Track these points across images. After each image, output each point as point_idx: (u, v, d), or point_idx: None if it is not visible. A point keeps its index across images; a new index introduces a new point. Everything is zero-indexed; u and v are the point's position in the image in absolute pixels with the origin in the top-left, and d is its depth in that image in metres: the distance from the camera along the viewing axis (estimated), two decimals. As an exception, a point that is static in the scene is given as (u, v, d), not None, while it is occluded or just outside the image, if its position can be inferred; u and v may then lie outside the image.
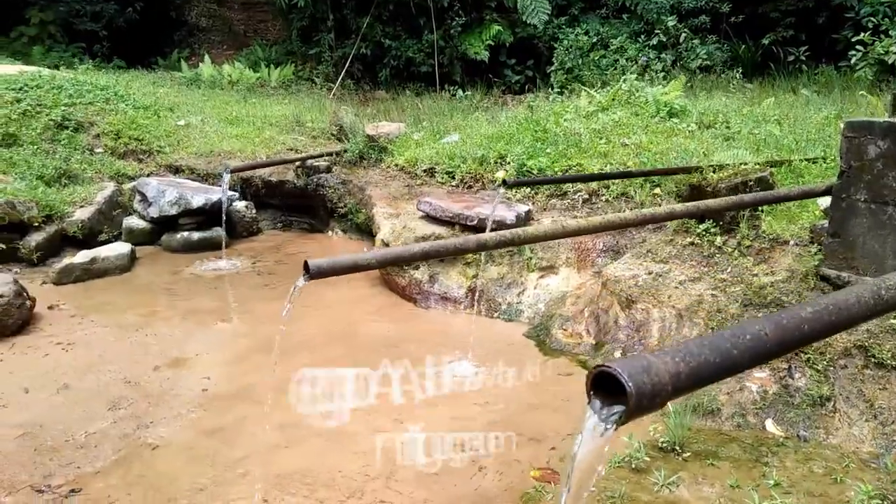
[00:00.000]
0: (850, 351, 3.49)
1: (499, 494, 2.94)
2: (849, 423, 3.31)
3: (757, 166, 4.89)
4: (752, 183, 4.62)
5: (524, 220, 5.44)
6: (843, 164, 3.73)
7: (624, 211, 5.71)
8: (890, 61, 10.18)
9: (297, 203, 7.67)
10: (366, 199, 6.80)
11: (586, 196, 6.14)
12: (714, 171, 4.81)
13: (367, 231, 6.91)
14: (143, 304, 5.35)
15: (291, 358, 4.31)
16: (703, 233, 4.74)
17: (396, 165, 7.51)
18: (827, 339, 3.50)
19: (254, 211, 7.42)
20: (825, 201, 4.37)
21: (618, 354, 4.18)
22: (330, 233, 7.50)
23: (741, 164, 5.01)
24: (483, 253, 5.22)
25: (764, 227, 4.55)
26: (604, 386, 1.08)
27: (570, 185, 6.29)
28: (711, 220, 4.74)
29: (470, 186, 6.83)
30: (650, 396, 1.05)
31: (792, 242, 4.37)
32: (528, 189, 6.46)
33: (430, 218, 5.42)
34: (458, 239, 2.83)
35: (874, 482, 2.84)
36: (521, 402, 3.76)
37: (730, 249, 4.53)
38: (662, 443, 3.14)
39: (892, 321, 3.49)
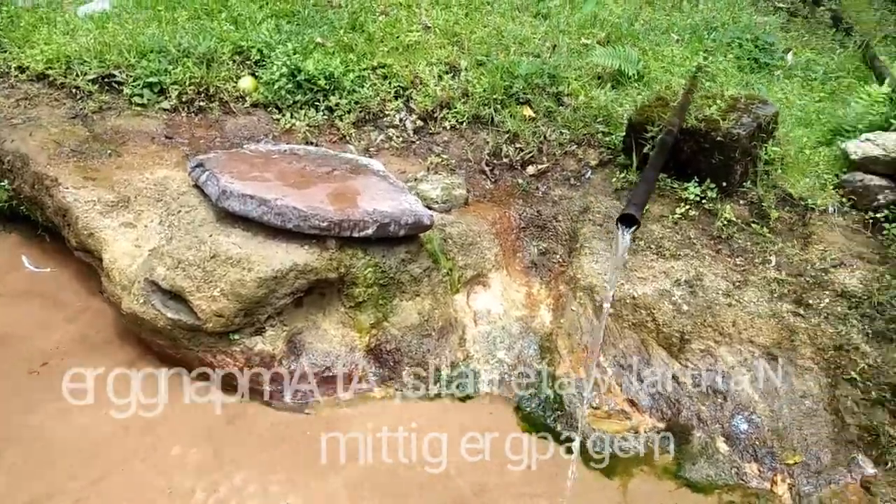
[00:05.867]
0: None
1: None
2: None
3: (733, 91, 3.51)
4: (766, 121, 3.26)
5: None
6: None
7: (488, 145, 3.81)
8: None
9: None
10: (8, 158, 3.35)
11: (420, 123, 3.99)
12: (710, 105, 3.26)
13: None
14: None
15: None
16: (699, 199, 3.27)
17: (22, 70, 3.94)
18: None
19: None
20: (857, 146, 3.29)
21: (722, 446, 2.62)
22: None
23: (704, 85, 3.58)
24: (377, 273, 2.84)
25: (786, 186, 3.30)
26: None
27: (391, 107, 4.01)
28: (705, 179, 3.28)
29: (200, 110, 3.93)
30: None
31: (830, 210, 3.23)
32: (296, 110, 3.94)
33: (258, 225, 2.70)
34: None
35: None
36: None
37: (754, 226, 3.18)
38: None
39: None
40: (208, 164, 2.94)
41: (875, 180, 3.21)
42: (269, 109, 3.99)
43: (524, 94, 4.02)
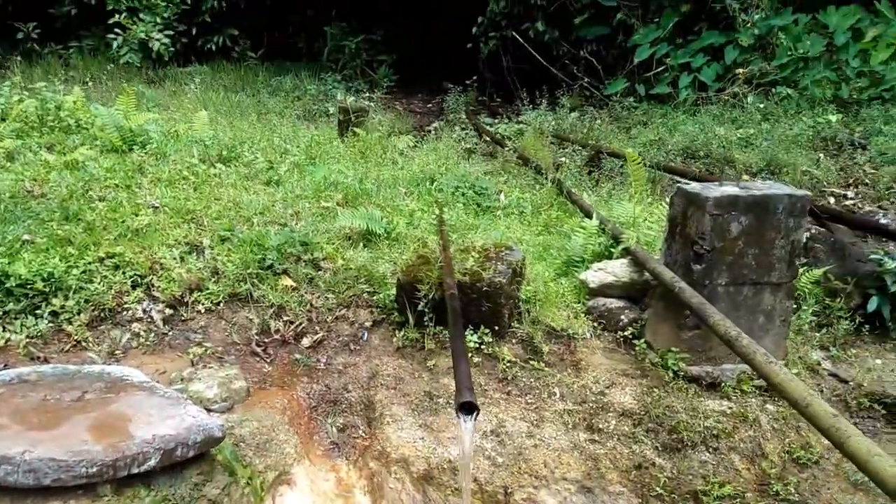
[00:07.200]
0: None
1: None
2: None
3: (486, 243, 3.78)
4: (518, 265, 3.54)
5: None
6: (705, 245, 3.17)
7: (254, 323, 3.60)
8: (154, 47, 10.04)
9: None
10: None
11: (168, 312, 3.62)
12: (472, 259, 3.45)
13: None
14: None
15: None
16: (479, 345, 3.39)
17: None
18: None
19: None
20: (593, 276, 3.73)
21: None
22: None
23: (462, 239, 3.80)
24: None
25: (547, 320, 3.57)
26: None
27: (131, 300, 3.57)
28: (479, 326, 3.43)
29: None
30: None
31: (588, 335, 3.56)
32: (9, 321, 3.34)
33: (1, 490, 2.11)
34: None
35: None
36: None
37: (531, 362, 3.38)
38: None
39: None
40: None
41: (615, 303, 3.65)
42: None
43: (279, 264, 3.87)
